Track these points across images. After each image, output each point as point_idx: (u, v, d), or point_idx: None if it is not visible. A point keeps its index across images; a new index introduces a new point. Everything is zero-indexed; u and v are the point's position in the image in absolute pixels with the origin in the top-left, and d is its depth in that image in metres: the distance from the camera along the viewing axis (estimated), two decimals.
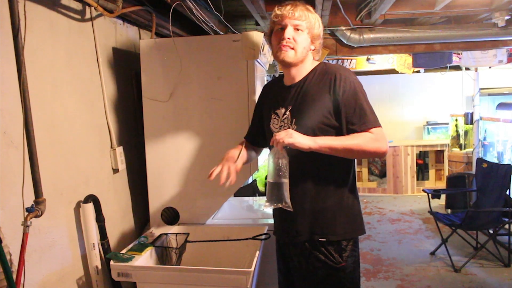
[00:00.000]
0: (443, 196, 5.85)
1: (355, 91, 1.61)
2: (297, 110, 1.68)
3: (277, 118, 1.74)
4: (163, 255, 2.00)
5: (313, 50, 1.73)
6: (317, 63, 1.75)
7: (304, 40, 1.67)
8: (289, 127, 1.67)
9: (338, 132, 1.62)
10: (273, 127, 1.76)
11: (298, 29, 1.65)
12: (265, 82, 2.70)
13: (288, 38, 1.64)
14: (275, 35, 1.69)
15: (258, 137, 1.93)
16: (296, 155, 1.64)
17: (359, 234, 1.73)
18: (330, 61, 5.45)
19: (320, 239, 1.66)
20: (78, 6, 1.98)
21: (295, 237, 1.72)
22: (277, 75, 4.49)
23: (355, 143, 1.57)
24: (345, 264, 1.67)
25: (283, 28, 1.65)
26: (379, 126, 1.61)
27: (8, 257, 1.41)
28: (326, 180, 1.68)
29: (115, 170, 2.28)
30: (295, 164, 1.65)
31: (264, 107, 1.87)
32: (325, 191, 1.68)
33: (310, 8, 1.70)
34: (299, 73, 1.72)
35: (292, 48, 1.65)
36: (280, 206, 1.59)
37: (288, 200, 1.59)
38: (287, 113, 1.70)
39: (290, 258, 1.78)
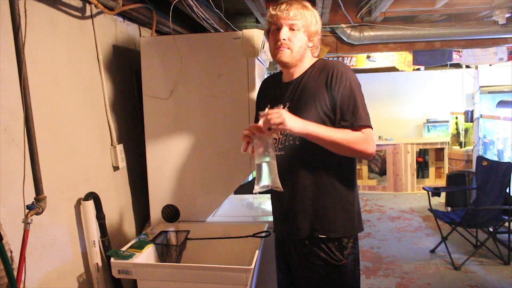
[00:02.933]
0: (443, 194, 5.87)
1: (350, 87, 1.61)
2: (295, 107, 1.67)
3: None
4: (164, 253, 2.00)
5: (311, 47, 1.72)
6: (315, 59, 1.75)
7: (299, 39, 1.66)
8: None
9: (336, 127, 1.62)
10: None
11: (293, 29, 1.64)
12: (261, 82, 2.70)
13: (284, 39, 1.63)
14: (272, 35, 1.69)
15: None
16: (297, 152, 1.64)
17: (358, 231, 1.74)
18: (331, 59, 5.44)
19: (320, 236, 1.66)
20: (78, 3, 1.98)
21: (295, 235, 1.71)
22: None
23: (344, 138, 1.55)
24: (346, 262, 1.67)
25: (279, 29, 1.65)
26: (370, 126, 1.61)
27: (9, 254, 1.42)
28: (327, 177, 1.67)
29: (116, 168, 2.28)
30: (296, 161, 1.65)
31: (262, 104, 1.86)
32: (326, 188, 1.68)
33: (307, 4, 1.69)
34: (298, 70, 1.72)
35: (289, 48, 1.65)
36: (270, 187, 1.56)
37: (277, 180, 1.55)
38: (285, 110, 1.69)
39: (290, 256, 1.78)
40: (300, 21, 1.64)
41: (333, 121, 1.62)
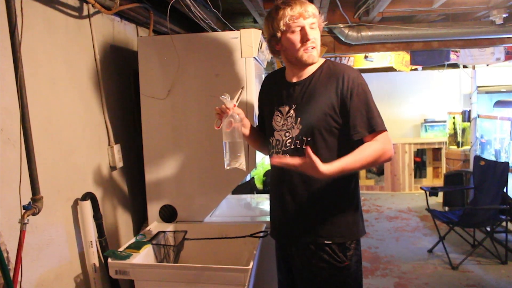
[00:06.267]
0: (440, 194, 5.88)
1: (364, 94, 1.60)
2: (302, 110, 1.65)
3: (280, 115, 1.72)
4: (161, 253, 2.00)
5: None
6: (321, 60, 1.72)
7: (319, 36, 1.66)
8: (293, 126, 1.66)
9: (343, 132, 1.61)
10: (276, 124, 1.73)
11: (313, 27, 1.63)
12: (263, 80, 2.69)
13: (314, 38, 1.62)
14: (293, 35, 1.62)
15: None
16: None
17: (362, 234, 1.73)
18: (328, 58, 5.44)
19: (326, 242, 1.65)
20: (75, 3, 1.97)
21: (297, 238, 1.71)
22: None
23: (365, 162, 1.55)
24: (349, 263, 1.66)
25: (302, 28, 1.61)
26: (385, 130, 1.60)
27: (5, 255, 1.41)
28: (332, 182, 1.64)
29: (113, 168, 2.27)
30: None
31: (265, 103, 1.85)
32: (330, 193, 1.66)
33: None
34: (306, 71, 1.69)
35: (315, 48, 1.63)
36: (237, 166, 1.65)
37: (243, 160, 1.66)
38: (291, 111, 1.68)
39: (292, 258, 1.77)
40: (316, 18, 1.64)
41: (339, 127, 1.61)
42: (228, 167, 1.67)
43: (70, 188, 1.89)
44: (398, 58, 5.73)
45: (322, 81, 1.65)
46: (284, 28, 1.63)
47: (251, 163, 2.20)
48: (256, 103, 2.12)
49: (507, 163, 4.10)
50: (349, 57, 5.80)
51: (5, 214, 1.47)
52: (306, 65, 1.67)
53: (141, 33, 2.72)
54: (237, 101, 1.74)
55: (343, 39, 4.02)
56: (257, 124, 1.98)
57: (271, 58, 3.58)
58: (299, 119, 1.65)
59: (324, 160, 1.58)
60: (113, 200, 2.29)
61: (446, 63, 5.58)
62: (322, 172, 1.44)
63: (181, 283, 1.73)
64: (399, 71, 5.99)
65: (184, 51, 2.18)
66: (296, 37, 1.63)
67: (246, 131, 1.77)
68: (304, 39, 1.61)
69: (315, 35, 1.63)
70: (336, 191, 1.67)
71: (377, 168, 7.43)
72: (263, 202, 2.86)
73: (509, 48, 5.31)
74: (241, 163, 1.66)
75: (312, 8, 1.63)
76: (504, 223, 4.11)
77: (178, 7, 2.37)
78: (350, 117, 1.59)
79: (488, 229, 4.16)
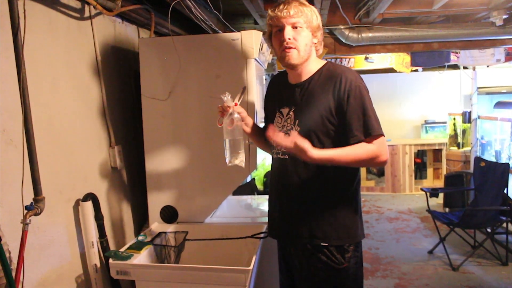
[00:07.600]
0: (441, 195, 5.88)
1: (361, 97, 1.59)
2: (300, 111, 1.66)
3: (281, 116, 1.73)
4: (162, 254, 2.00)
5: (316, 43, 1.70)
6: (322, 62, 1.72)
7: (304, 37, 1.62)
8: (291, 128, 1.67)
9: (340, 135, 1.61)
10: (277, 125, 1.74)
11: (296, 27, 1.61)
12: (264, 81, 2.70)
13: (289, 39, 1.60)
14: (275, 37, 1.65)
15: None
16: (301, 160, 1.64)
17: (361, 238, 1.72)
18: (329, 60, 5.44)
19: (322, 244, 1.65)
20: (77, 4, 1.98)
21: (296, 239, 1.71)
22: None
23: (359, 157, 1.55)
24: (347, 265, 1.65)
25: (282, 29, 1.61)
26: (382, 134, 1.59)
27: (7, 255, 1.42)
28: (332, 184, 1.66)
29: (114, 169, 2.28)
30: (299, 166, 1.65)
31: (270, 103, 1.86)
32: (329, 194, 1.66)
33: (304, 1, 1.66)
34: (305, 72, 1.69)
35: (295, 48, 1.61)
36: (237, 163, 1.69)
37: (243, 157, 1.70)
38: (291, 113, 1.69)
39: (291, 259, 1.77)
40: (302, 17, 1.61)
41: (337, 128, 1.61)
42: (230, 164, 1.70)
43: (71, 188, 1.90)
44: (399, 59, 5.73)
45: (320, 83, 1.65)
46: (269, 28, 1.68)
47: (251, 164, 2.20)
48: (257, 104, 2.14)
49: (507, 164, 4.10)
50: (350, 58, 5.80)
51: (8, 215, 1.48)
52: (291, 67, 1.67)
53: (142, 34, 2.73)
54: (239, 100, 1.75)
55: (343, 40, 4.03)
56: (264, 124, 1.99)
57: (272, 59, 3.59)
58: (297, 120, 1.66)
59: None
60: (114, 201, 2.29)
61: (447, 64, 5.58)
62: (311, 155, 1.47)
63: (182, 283, 1.74)
64: (399, 72, 5.99)
65: (185, 53, 2.19)
66: (276, 39, 1.65)
67: (248, 129, 1.78)
68: (281, 39, 1.62)
69: (294, 35, 1.61)
70: (335, 193, 1.67)
71: (377, 169, 7.43)
72: (264, 203, 2.86)
73: (509, 49, 5.31)
74: (241, 160, 1.69)
75: (296, 8, 1.60)
76: (504, 224, 4.10)
77: (179, 8, 2.38)
78: (347, 120, 1.58)
79: (489, 230, 4.16)
